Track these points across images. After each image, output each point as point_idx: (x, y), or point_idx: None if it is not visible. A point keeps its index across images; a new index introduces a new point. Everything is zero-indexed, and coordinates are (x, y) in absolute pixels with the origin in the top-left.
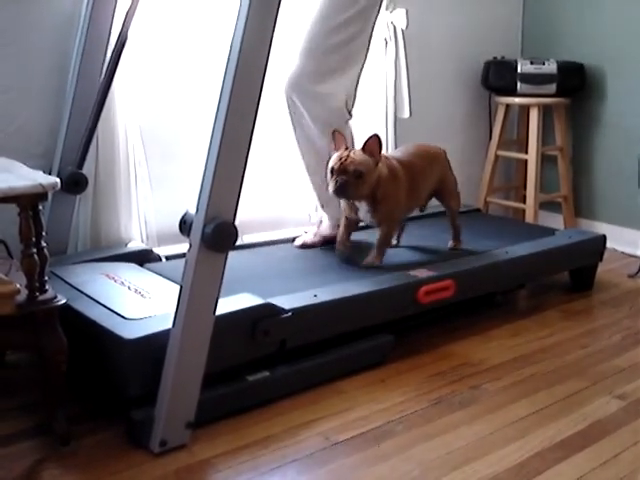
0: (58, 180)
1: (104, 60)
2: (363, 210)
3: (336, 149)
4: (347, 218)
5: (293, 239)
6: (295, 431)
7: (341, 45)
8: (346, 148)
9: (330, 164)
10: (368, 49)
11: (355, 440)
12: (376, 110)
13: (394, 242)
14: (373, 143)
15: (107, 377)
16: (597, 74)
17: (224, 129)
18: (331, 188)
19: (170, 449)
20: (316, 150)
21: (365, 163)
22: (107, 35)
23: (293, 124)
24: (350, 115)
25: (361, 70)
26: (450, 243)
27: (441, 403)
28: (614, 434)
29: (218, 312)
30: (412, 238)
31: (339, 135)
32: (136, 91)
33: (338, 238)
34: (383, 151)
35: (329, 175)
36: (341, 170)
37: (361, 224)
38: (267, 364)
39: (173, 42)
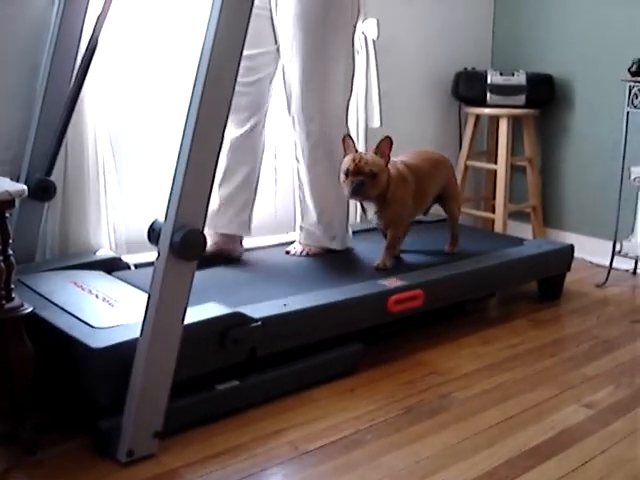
0: (25, 187)
1: (74, 66)
2: (371, 212)
3: (347, 153)
4: None
5: (267, 247)
6: (265, 440)
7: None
8: (356, 151)
9: (344, 166)
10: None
11: (325, 449)
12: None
13: None
14: (385, 145)
15: (74, 386)
16: (566, 85)
17: (193, 136)
18: (347, 189)
19: (138, 459)
20: None
21: (378, 163)
22: (77, 41)
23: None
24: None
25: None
26: (447, 247)
27: (411, 412)
28: (582, 442)
29: (187, 321)
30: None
31: (349, 140)
32: (106, 97)
33: None
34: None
35: (343, 177)
36: (356, 171)
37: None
38: (237, 373)
39: (143, 49)
